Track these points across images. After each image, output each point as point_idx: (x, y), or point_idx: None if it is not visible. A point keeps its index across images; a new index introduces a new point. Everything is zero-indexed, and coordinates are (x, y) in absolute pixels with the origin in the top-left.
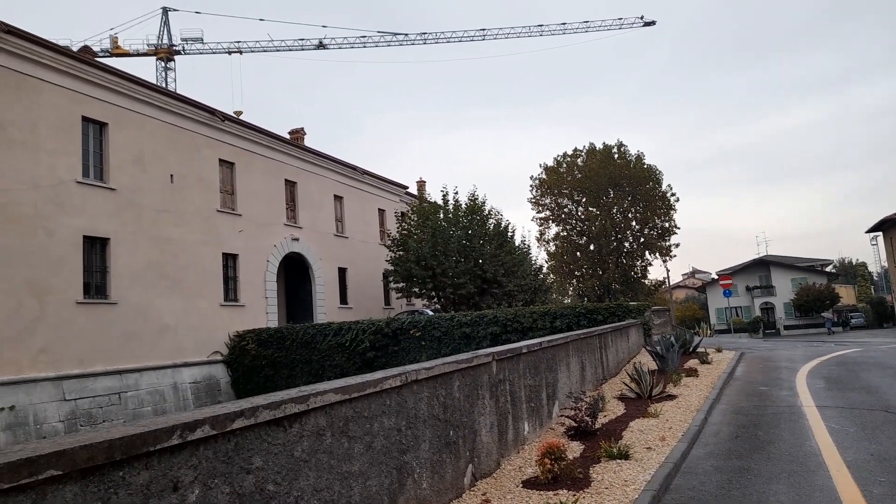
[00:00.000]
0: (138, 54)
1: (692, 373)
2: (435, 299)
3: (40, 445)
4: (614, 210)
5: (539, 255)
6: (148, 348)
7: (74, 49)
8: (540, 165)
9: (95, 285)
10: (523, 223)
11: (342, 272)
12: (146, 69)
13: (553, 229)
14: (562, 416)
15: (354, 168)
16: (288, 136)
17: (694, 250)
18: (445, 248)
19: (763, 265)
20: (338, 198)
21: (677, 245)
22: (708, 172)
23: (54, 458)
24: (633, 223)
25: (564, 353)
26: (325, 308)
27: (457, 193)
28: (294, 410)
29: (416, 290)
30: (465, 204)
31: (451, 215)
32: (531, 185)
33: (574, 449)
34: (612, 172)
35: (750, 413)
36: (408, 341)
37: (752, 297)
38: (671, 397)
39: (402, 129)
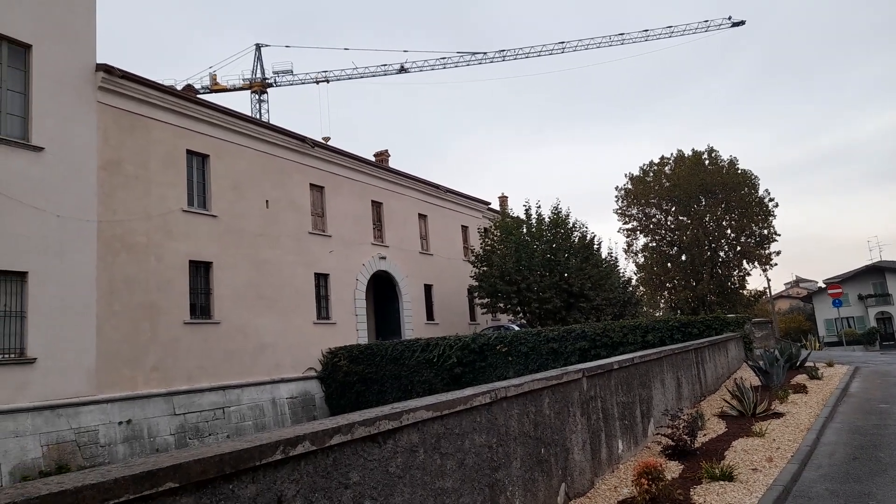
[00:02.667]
0: (235, 89)
1: (800, 389)
2: (521, 314)
3: (159, 459)
4: (706, 218)
5: (627, 268)
6: (248, 365)
7: (179, 88)
8: (625, 175)
9: (200, 306)
10: (609, 235)
11: (428, 289)
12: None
13: (641, 240)
14: (658, 434)
15: (437, 187)
16: (373, 159)
17: (797, 258)
18: (530, 263)
19: (877, 272)
20: (422, 216)
21: (778, 253)
22: (809, 176)
23: (172, 472)
24: (728, 231)
25: (658, 369)
26: (413, 324)
27: (539, 207)
28: (388, 427)
29: (502, 305)
30: (549, 217)
31: (534, 229)
32: (616, 196)
33: (672, 469)
34: (702, 179)
35: (869, 433)
36: (494, 357)
37: (865, 306)
38: (777, 415)
39: (483, 146)
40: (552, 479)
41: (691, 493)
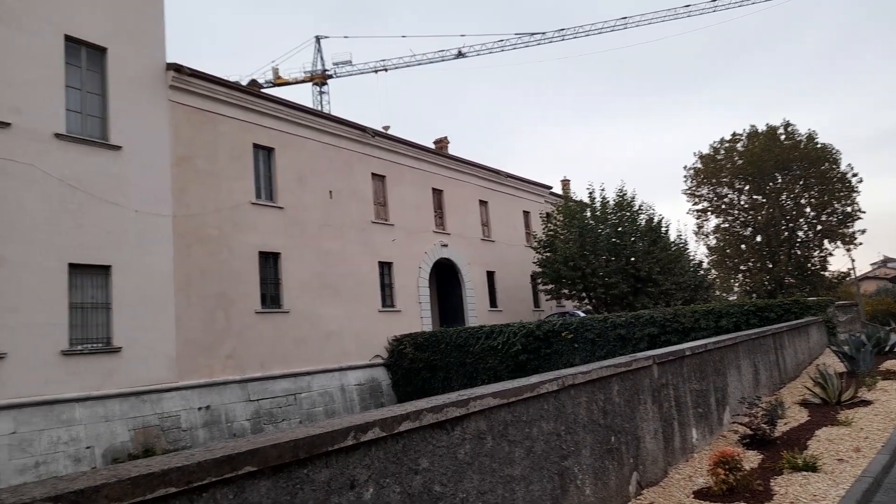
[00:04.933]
0: (296, 82)
1: (890, 375)
2: (586, 300)
3: (238, 444)
4: (783, 196)
5: (698, 250)
6: (317, 353)
7: (244, 83)
8: (694, 154)
9: (270, 296)
10: (678, 217)
11: (490, 275)
12: (303, 95)
13: (712, 221)
14: (734, 423)
15: (498, 172)
16: (433, 146)
17: (886, 237)
18: (594, 247)
19: None
20: (483, 203)
21: (863, 231)
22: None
23: (250, 456)
24: (807, 209)
25: (734, 355)
26: (476, 311)
27: (603, 190)
28: (455, 414)
29: (566, 291)
30: (613, 200)
31: (598, 213)
32: (685, 176)
33: (750, 459)
34: (778, 155)
35: None
36: (560, 344)
37: None
38: (865, 403)
39: (544, 129)
40: (623, 468)
41: (771, 484)
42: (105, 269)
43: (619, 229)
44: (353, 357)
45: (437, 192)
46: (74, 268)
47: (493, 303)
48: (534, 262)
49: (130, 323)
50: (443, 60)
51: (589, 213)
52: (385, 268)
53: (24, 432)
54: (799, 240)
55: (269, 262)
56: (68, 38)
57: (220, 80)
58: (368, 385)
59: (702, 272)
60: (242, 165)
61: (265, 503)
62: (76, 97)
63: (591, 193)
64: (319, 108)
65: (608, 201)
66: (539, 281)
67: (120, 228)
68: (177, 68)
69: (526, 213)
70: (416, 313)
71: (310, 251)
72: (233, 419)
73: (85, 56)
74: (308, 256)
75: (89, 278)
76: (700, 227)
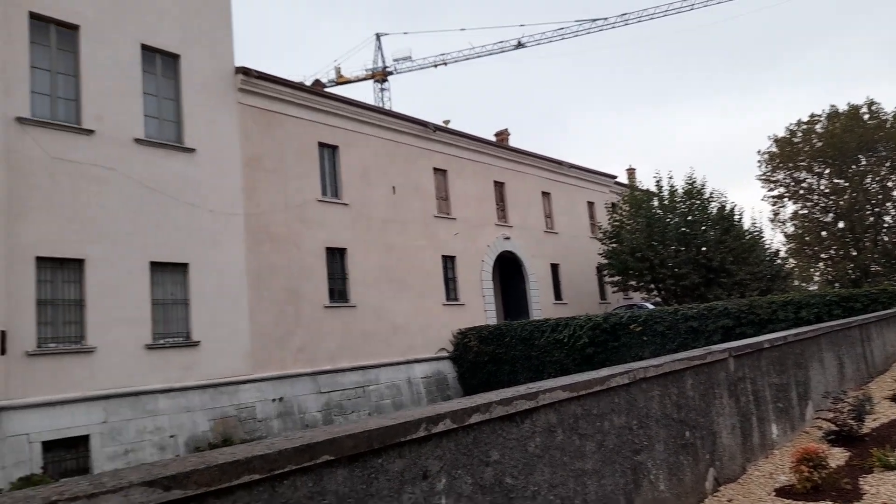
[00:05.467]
0: (358, 80)
1: None
2: (654, 292)
3: (315, 434)
4: (867, 179)
5: (774, 239)
6: (384, 346)
7: (308, 84)
8: (769, 137)
9: (338, 291)
10: (752, 204)
11: (554, 268)
12: (365, 92)
13: (790, 208)
14: (817, 418)
15: (560, 163)
16: (493, 139)
17: None
18: (663, 237)
19: None
20: (545, 194)
21: None
22: None
23: (327, 445)
24: (895, 192)
25: (816, 348)
26: (540, 304)
27: (671, 178)
28: (525, 407)
29: (633, 282)
30: (682, 188)
31: (666, 202)
32: (759, 161)
33: (836, 456)
34: (861, 136)
35: None
36: (628, 337)
37: None
38: None
39: (608, 117)
40: (699, 464)
41: (860, 483)
42: (183, 267)
43: (689, 218)
44: (419, 350)
45: (499, 185)
46: (155, 266)
47: (557, 296)
48: (599, 254)
49: (207, 318)
50: (502, 52)
51: (656, 202)
52: (448, 261)
53: (114, 421)
54: (886, 225)
55: (336, 257)
56: (145, 48)
57: (286, 82)
58: (434, 378)
59: (779, 261)
60: (309, 164)
61: (342, 491)
62: (153, 103)
63: (658, 182)
64: (381, 105)
65: (676, 189)
66: (605, 273)
67: (196, 228)
68: (245, 71)
69: (590, 204)
70: (479, 306)
71: (375, 246)
72: (305, 410)
73: (160, 63)
74: (373, 251)
75: (169, 275)
76: (776, 214)
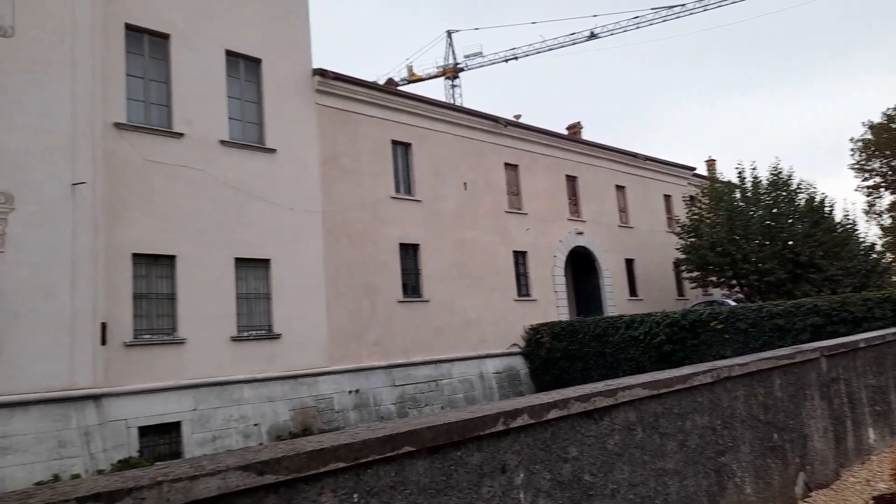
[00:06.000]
0: (429, 77)
1: None
2: (736, 288)
3: (397, 425)
4: None
5: (869, 231)
6: (456, 340)
7: (381, 83)
8: (863, 124)
9: (411, 286)
10: (844, 194)
11: (629, 263)
12: (436, 89)
13: (887, 198)
14: None
15: (635, 155)
16: (566, 132)
17: None
18: (745, 231)
19: None
20: (619, 188)
21: None
22: None
23: (408, 437)
24: None
25: None
26: (614, 300)
27: (755, 169)
28: (603, 404)
29: (713, 278)
30: (767, 179)
31: (749, 193)
32: (852, 149)
33: None
34: None
35: None
36: (708, 334)
37: None
38: None
39: (685, 108)
40: (788, 467)
41: None
42: (265, 263)
43: (774, 210)
44: (491, 345)
45: (571, 179)
46: (240, 262)
47: (632, 291)
48: (677, 249)
49: (288, 312)
50: (574, 44)
51: (739, 195)
52: (520, 257)
53: (203, 409)
54: None
55: (409, 253)
56: (229, 53)
57: (361, 82)
58: (507, 373)
59: (874, 255)
60: (383, 161)
61: (423, 482)
62: (236, 106)
63: (740, 173)
64: (452, 102)
65: (760, 181)
66: (683, 268)
67: (277, 225)
68: (321, 73)
69: (667, 197)
70: (551, 302)
71: (447, 242)
72: (380, 403)
73: (243, 68)
74: (445, 247)
75: (252, 271)
76: (871, 205)
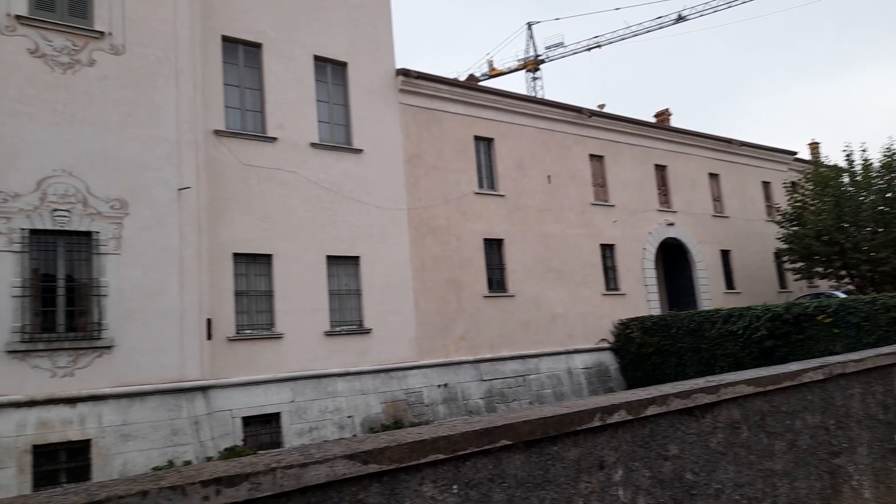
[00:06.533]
0: (510, 71)
1: None
2: (846, 279)
3: (493, 419)
4: None
5: None
6: (542, 335)
7: (462, 79)
8: None
9: (496, 280)
10: None
11: (725, 255)
12: (517, 82)
13: None
14: None
15: (730, 141)
16: (653, 120)
17: None
18: (855, 218)
19: None
20: (713, 176)
21: None
22: None
23: (505, 430)
24: None
25: None
26: (709, 293)
27: (865, 151)
28: (705, 401)
29: (819, 269)
30: (879, 161)
31: (859, 177)
32: None
33: None
34: None
35: None
36: (814, 329)
37: None
38: None
39: (785, 89)
40: None
41: None
42: (355, 260)
43: (889, 195)
44: (579, 340)
45: (660, 169)
46: (331, 259)
47: (729, 284)
48: (777, 238)
49: (377, 307)
50: (660, 28)
51: (847, 179)
52: (607, 250)
53: (300, 401)
54: None
55: (494, 248)
56: (317, 58)
57: (443, 79)
58: (596, 369)
59: None
60: (466, 158)
61: (520, 475)
62: (325, 109)
63: (848, 156)
64: (534, 95)
65: (871, 163)
66: (785, 259)
67: (365, 223)
68: (405, 73)
69: (766, 184)
70: (641, 296)
71: (531, 236)
72: (468, 397)
73: (330, 72)
74: (530, 241)
75: (343, 268)
76: None
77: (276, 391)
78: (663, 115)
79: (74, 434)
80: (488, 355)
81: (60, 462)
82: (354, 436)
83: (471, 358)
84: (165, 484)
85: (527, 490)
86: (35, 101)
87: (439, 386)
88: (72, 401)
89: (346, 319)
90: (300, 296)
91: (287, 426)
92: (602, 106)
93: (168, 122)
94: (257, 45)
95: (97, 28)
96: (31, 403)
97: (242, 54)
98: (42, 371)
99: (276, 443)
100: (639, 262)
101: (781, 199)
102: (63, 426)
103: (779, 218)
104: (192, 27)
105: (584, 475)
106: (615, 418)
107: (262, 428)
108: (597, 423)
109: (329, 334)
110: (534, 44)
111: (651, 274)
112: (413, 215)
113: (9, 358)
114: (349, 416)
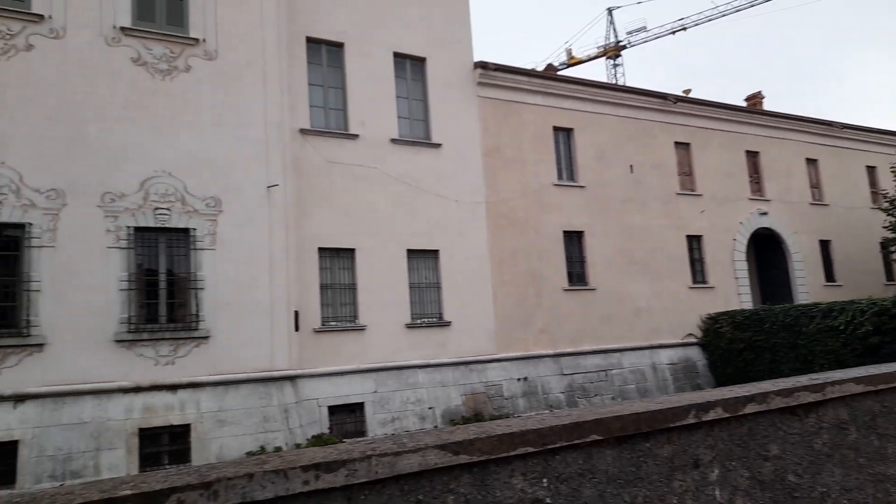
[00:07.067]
0: (590, 59)
1: None
2: None
3: (582, 413)
4: None
5: None
6: (625, 330)
7: (539, 69)
8: None
9: (576, 273)
10: None
11: (824, 245)
12: (597, 70)
13: None
14: None
15: (829, 124)
16: (744, 104)
17: None
18: None
19: None
20: (810, 161)
21: None
22: None
23: (595, 425)
24: None
25: None
26: (807, 286)
27: None
28: (808, 399)
29: None
30: None
31: None
32: None
33: None
34: None
35: None
36: None
37: None
38: None
39: (892, 66)
40: None
41: None
42: (434, 254)
43: None
44: (664, 335)
45: (752, 155)
46: (411, 253)
47: (828, 276)
48: (884, 227)
49: (456, 300)
50: (751, 6)
51: None
52: (694, 241)
53: (382, 392)
54: None
55: (574, 240)
56: (396, 55)
57: (521, 70)
58: (682, 365)
59: None
60: (544, 149)
61: (611, 471)
62: (404, 105)
63: None
64: (614, 82)
65: None
66: (893, 249)
67: (444, 217)
68: (482, 65)
69: (870, 169)
70: (731, 289)
71: (613, 228)
72: (548, 391)
73: (409, 68)
74: (611, 233)
75: (422, 261)
76: None
77: (360, 381)
78: (755, 99)
79: (176, 419)
80: (569, 349)
81: (163, 445)
82: (436, 427)
83: (551, 352)
84: (269, 468)
85: (618, 486)
86: (138, 107)
87: (519, 379)
88: (173, 387)
89: (426, 312)
90: (382, 289)
91: (370, 416)
92: (688, 91)
93: (257, 123)
94: (339, 45)
95: (192, 35)
96: (137, 389)
97: (325, 54)
98: (146, 359)
99: (360, 432)
100: (729, 254)
101: (889, 184)
102: (165, 411)
103: (886, 205)
104: (279, 30)
105: (678, 473)
106: (711, 416)
107: (347, 417)
108: (691, 421)
109: (410, 326)
110: (614, 29)
111: (742, 266)
112: (491, 208)
113: (117, 347)
114: (430, 408)
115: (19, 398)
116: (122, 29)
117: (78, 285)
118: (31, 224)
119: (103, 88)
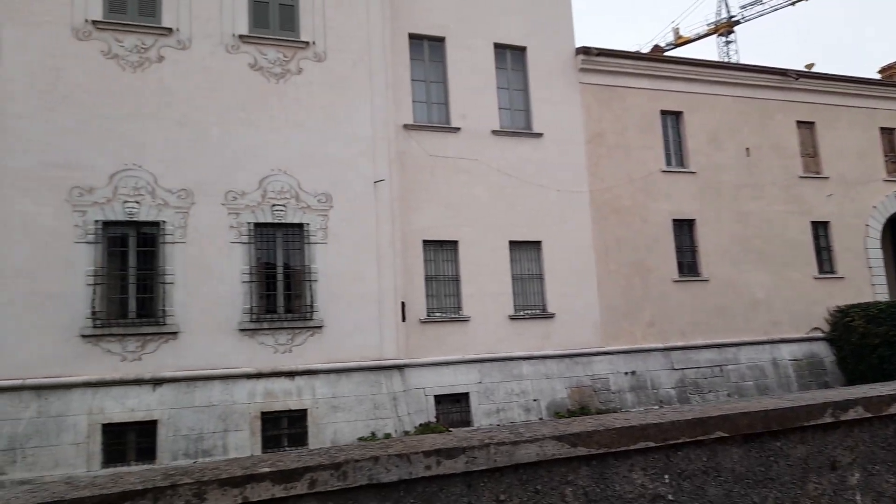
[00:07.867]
0: (699, 37)
1: None
2: None
3: (706, 409)
4: None
5: None
6: (741, 323)
7: (644, 52)
8: None
9: (687, 264)
10: None
11: None
12: (707, 49)
13: None
14: None
15: None
16: (878, 77)
17: None
18: None
19: None
20: None
21: None
22: None
23: (721, 421)
24: None
25: None
26: None
27: None
28: None
29: None
30: None
31: None
32: None
33: None
34: None
35: None
36: None
37: None
38: None
39: None
40: None
41: None
42: (536, 245)
43: None
44: (785, 328)
45: (888, 133)
46: (513, 244)
47: None
48: None
49: (559, 291)
50: None
51: None
52: (819, 228)
53: (487, 383)
54: None
55: (684, 229)
56: (496, 46)
57: (625, 53)
58: (806, 361)
59: None
60: (651, 134)
61: (738, 470)
62: (504, 96)
63: None
64: (727, 61)
65: None
66: None
67: (545, 207)
68: (585, 51)
69: None
70: (864, 280)
71: (727, 215)
72: (658, 386)
73: (509, 58)
74: (725, 221)
75: (525, 253)
76: None
77: (465, 372)
78: (891, 70)
79: (294, 404)
80: (679, 343)
81: (283, 428)
82: (541, 419)
83: (660, 345)
84: (393, 452)
85: (746, 486)
86: (255, 110)
87: (626, 373)
88: (291, 374)
89: (529, 304)
90: (485, 280)
91: (475, 406)
92: (811, 66)
93: (363, 120)
94: (440, 39)
95: (303, 38)
96: (259, 375)
97: (427, 49)
98: (267, 347)
99: (466, 421)
100: (860, 241)
101: None
102: (284, 396)
103: None
104: (383, 29)
105: (813, 475)
106: (850, 415)
107: (453, 406)
108: (828, 420)
109: (513, 318)
110: (726, 4)
111: (876, 254)
112: (595, 197)
113: (241, 335)
114: (535, 400)
115: (157, 381)
116: (241, 37)
117: (206, 278)
118: (164, 222)
119: (224, 93)
